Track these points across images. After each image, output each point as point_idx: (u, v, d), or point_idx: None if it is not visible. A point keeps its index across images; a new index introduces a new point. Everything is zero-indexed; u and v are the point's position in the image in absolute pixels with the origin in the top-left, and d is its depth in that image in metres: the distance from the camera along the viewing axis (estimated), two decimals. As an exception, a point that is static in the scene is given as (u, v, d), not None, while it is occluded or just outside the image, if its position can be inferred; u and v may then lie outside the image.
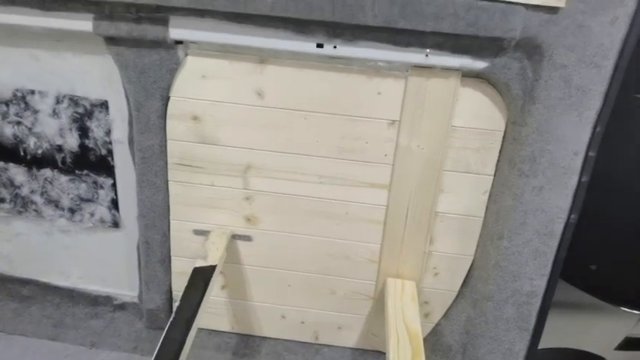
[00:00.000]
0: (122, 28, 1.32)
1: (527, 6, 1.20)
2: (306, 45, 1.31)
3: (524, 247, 1.42)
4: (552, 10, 1.20)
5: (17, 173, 1.65)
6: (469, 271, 1.57)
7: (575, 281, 1.83)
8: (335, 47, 1.30)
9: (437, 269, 1.58)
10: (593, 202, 1.50)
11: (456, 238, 1.53)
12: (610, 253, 1.78)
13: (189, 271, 1.42)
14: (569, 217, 1.39)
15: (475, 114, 1.38)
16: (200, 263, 1.45)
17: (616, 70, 1.26)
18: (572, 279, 1.82)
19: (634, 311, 1.79)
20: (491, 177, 1.45)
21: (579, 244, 1.48)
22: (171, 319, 1.28)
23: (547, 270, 1.45)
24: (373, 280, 1.60)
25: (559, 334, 1.82)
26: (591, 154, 1.33)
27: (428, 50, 1.28)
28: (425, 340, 1.61)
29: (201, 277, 1.41)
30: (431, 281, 1.59)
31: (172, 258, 1.64)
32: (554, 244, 1.41)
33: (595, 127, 1.31)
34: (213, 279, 1.41)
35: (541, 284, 1.46)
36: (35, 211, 1.70)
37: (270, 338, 1.73)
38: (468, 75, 1.34)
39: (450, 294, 1.60)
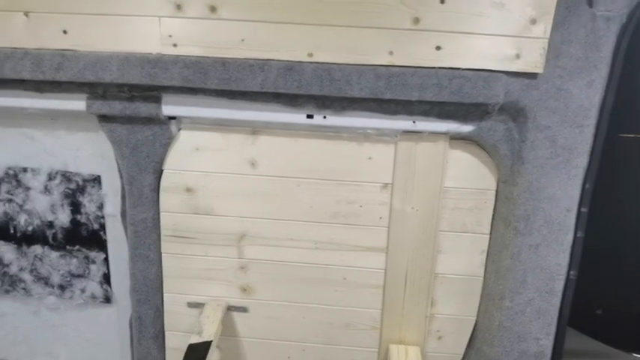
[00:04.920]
0: (115, 107, 1.34)
1: (507, 73, 1.25)
2: (296, 116, 1.34)
3: (527, 307, 1.40)
4: (531, 75, 1.25)
5: (6, 251, 1.61)
6: (473, 332, 1.52)
7: (582, 327, 1.78)
8: (325, 117, 1.34)
9: (440, 332, 1.53)
10: (596, 245, 1.47)
11: (458, 300, 1.50)
12: (615, 297, 1.74)
13: (184, 346, 1.36)
14: (568, 274, 1.38)
15: (466, 175, 1.40)
16: (195, 339, 1.40)
17: (598, 128, 1.30)
18: (578, 325, 1.76)
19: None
20: (488, 236, 1.44)
21: (584, 288, 1.43)
22: None
23: (552, 329, 1.41)
24: (375, 348, 1.55)
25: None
26: (583, 209, 1.34)
27: (414, 117, 1.32)
28: (433, 408, 1.54)
29: (196, 355, 1.35)
30: (435, 345, 1.54)
31: (166, 333, 1.58)
32: (557, 301, 1.39)
33: (584, 184, 1.33)
34: (209, 356, 1.36)
35: (548, 344, 1.42)
36: (24, 289, 1.65)
37: None
38: (456, 138, 1.37)
39: (456, 357, 1.55)
